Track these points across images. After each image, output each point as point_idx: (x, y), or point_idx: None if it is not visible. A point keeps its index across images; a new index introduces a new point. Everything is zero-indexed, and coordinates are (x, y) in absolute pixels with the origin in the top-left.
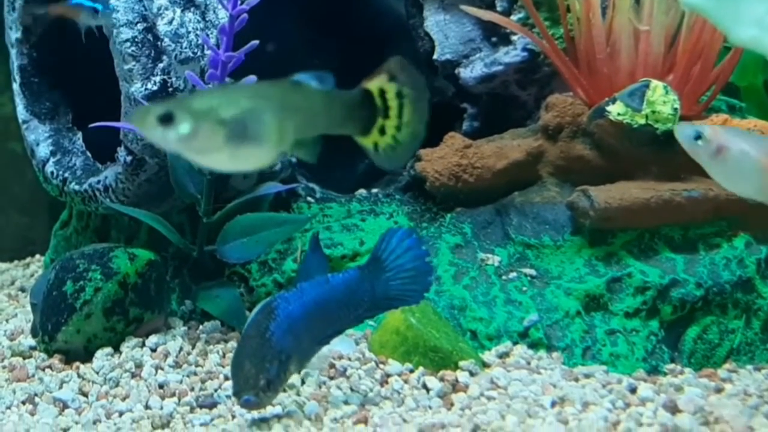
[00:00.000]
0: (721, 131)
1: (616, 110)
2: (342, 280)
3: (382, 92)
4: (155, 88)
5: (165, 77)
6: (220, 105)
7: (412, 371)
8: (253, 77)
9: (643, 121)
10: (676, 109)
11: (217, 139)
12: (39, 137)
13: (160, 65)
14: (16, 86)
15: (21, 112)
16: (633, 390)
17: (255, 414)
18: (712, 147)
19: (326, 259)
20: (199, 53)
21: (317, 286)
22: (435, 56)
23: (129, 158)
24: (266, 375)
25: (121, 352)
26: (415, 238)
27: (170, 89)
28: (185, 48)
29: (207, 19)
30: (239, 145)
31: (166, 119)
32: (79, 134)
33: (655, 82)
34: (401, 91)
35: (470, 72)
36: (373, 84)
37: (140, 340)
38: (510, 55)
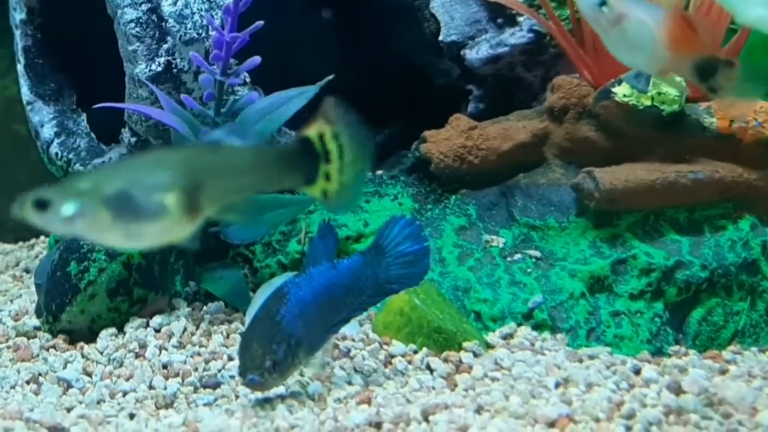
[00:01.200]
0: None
1: (621, 92)
2: (347, 266)
3: (321, 137)
4: (159, 69)
5: (169, 58)
6: (104, 181)
7: (415, 352)
8: (257, 58)
9: (648, 103)
10: (682, 91)
11: (102, 218)
12: (43, 118)
13: (165, 46)
14: (20, 67)
15: (25, 93)
16: (637, 371)
17: (258, 394)
18: (613, 14)
19: (335, 245)
20: (203, 34)
21: (325, 272)
22: (440, 37)
23: (133, 139)
24: (273, 356)
25: (125, 333)
26: (416, 226)
27: (174, 70)
28: (190, 29)
29: None
30: (131, 223)
31: (41, 205)
32: (84, 115)
33: None
34: (338, 133)
35: (476, 53)
36: (312, 130)
37: (144, 320)
38: (516, 36)
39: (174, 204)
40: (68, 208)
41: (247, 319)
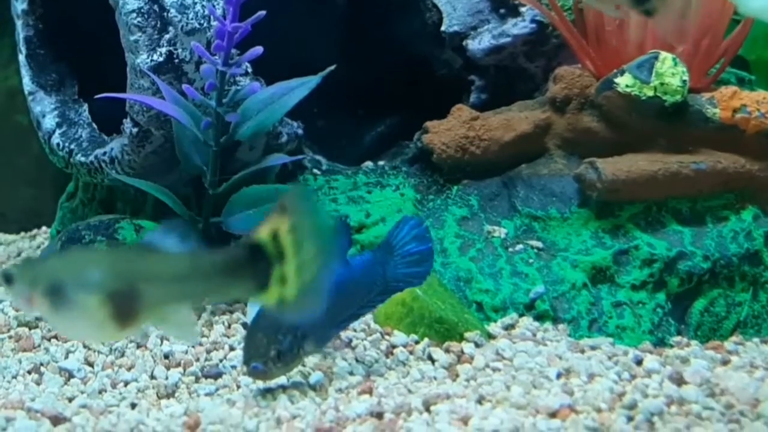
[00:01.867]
0: None
1: (624, 82)
2: (359, 263)
3: (274, 235)
4: (161, 59)
5: (171, 48)
6: (47, 270)
7: (417, 342)
8: (259, 49)
9: (651, 93)
10: (684, 81)
11: (44, 307)
12: (45, 109)
13: (166, 36)
14: (21, 58)
15: (27, 83)
16: (639, 362)
17: (260, 384)
18: None
19: (348, 242)
20: (205, 24)
21: (337, 267)
22: (443, 28)
23: (135, 130)
24: (278, 346)
25: None
26: (424, 228)
27: (176, 60)
28: (191, 19)
29: None
30: (65, 317)
31: (7, 280)
32: (85, 106)
33: (664, 54)
34: (295, 227)
35: (478, 44)
36: (263, 232)
37: None
38: (518, 26)
39: (99, 307)
40: (22, 290)
41: (249, 309)
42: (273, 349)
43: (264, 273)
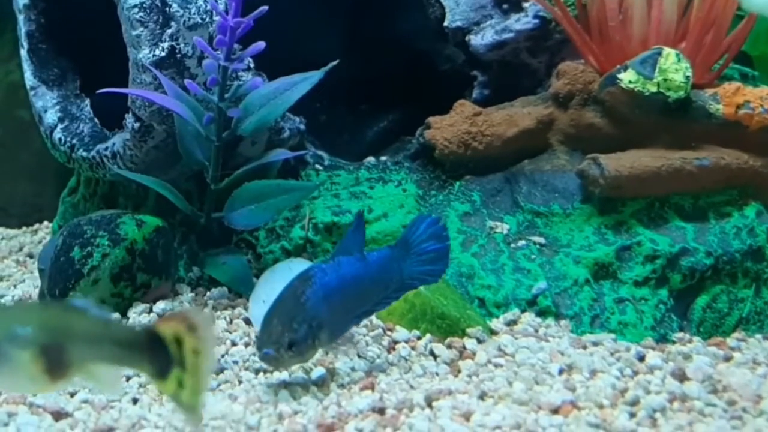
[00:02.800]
0: None
1: (627, 78)
2: (376, 258)
3: (179, 341)
4: (163, 54)
5: (173, 43)
6: None
7: (419, 338)
8: (261, 44)
9: (654, 89)
10: (688, 77)
11: None
12: (47, 104)
13: (168, 31)
14: (23, 52)
15: (29, 78)
16: (641, 358)
17: (261, 379)
18: None
19: (364, 238)
20: (207, 19)
21: (354, 262)
22: (445, 23)
23: (137, 125)
24: (292, 334)
25: (128, 318)
26: (441, 226)
27: (178, 55)
28: (193, 14)
29: None
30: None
31: None
32: (87, 101)
33: (667, 50)
34: (198, 348)
35: (481, 39)
36: (167, 329)
37: (147, 305)
38: (521, 22)
39: (32, 362)
40: None
41: (250, 305)
42: (287, 336)
43: (160, 362)
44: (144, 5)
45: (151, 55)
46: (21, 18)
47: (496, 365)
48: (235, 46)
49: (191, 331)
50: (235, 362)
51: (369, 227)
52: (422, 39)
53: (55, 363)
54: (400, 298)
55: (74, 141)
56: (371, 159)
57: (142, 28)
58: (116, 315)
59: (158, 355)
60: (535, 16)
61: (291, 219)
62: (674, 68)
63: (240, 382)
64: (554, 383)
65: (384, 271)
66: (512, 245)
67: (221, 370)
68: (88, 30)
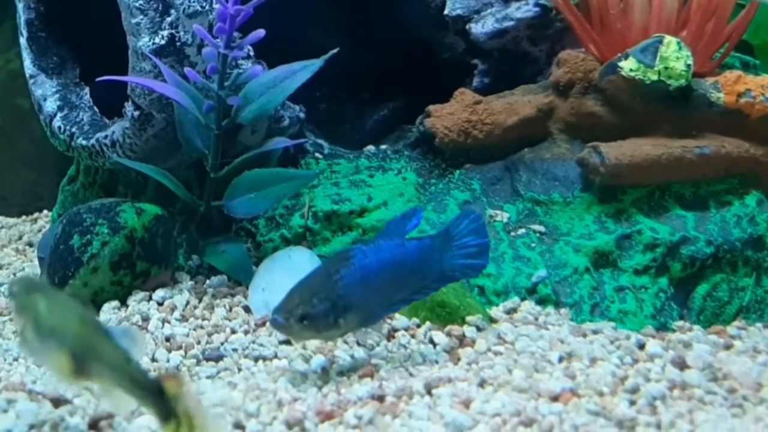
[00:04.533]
0: None
1: (628, 66)
2: (417, 246)
3: (177, 400)
4: (163, 42)
5: (173, 31)
6: (32, 308)
7: (419, 326)
8: (261, 31)
9: (655, 78)
10: (689, 66)
11: (25, 330)
12: (46, 92)
13: (168, 19)
14: (23, 41)
15: (28, 66)
16: (641, 346)
17: (261, 366)
18: None
19: (409, 228)
20: (207, 7)
21: (395, 247)
22: (446, 11)
23: (136, 113)
24: (307, 308)
25: (127, 306)
26: (482, 223)
27: (178, 43)
28: (193, 2)
29: None
30: (38, 356)
31: (11, 294)
32: (87, 89)
33: (668, 38)
34: (195, 424)
35: (481, 27)
36: (171, 388)
37: (147, 293)
38: (522, 10)
39: (61, 357)
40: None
41: (250, 293)
42: (301, 309)
43: (165, 411)
44: None
45: (150, 43)
46: (20, 6)
47: (496, 353)
48: (235, 34)
49: (184, 399)
50: (235, 350)
51: (369, 215)
52: (422, 27)
53: (80, 369)
54: (438, 289)
55: (74, 129)
56: (371, 147)
57: (141, 16)
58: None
59: (164, 403)
60: (536, 4)
61: (290, 207)
62: (675, 56)
63: (239, 369)
64: (554, 371)
65: (423, 260)
66: (512, 233)
67: (220, 358)
68: (87, 18)
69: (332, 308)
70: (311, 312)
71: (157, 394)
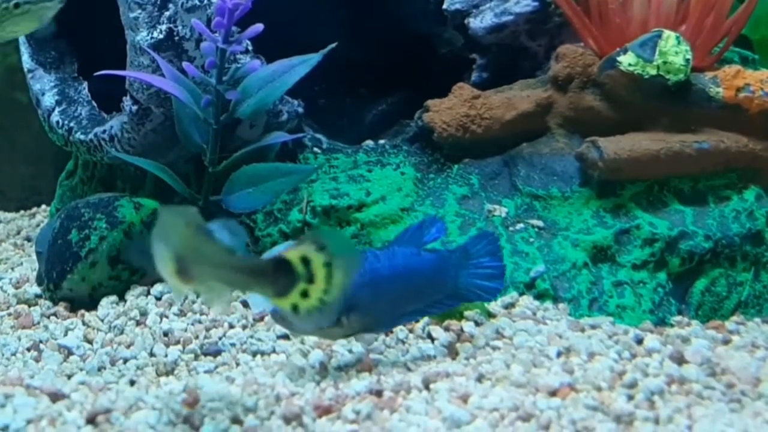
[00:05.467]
0: None
1: (627, 61)
2: (433, 258)
3: (306, 260)
4: (161, 36)
5: (171, 26)
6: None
7: (417, 320)
8: (259, 26)
9: (654, 72)
10: (688, 60)
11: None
12: (44, 86)
13: (166, 13)
14: (20, 36)
15: (26, 61)
16: (639, 341)
17: (259, 361)
18: None
19: (433, 240)
20: (205, 1)
21: (410, 255)
22: (444, 6)
23: (134, 108)
24: None
25: (125, 300)
26: (499, 246)
27: (176, 38)
28: None
29: None
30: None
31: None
32: (85, 83)
33: (667, 32)
34: (331, 262)
35: (480, 22)
36: (293, 254)
37: (145, 288)
38: (520, 5)
39: (168, 261)
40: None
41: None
42: None
43: (283, 284)
44: None
45: (149, 38)
46: None
47: (494, 348)
48: (233, 28)
49: (320, 250)
50: (233, 345)
51: (367, 210)
52: (421, 22)
53: (184, 271)
54: (453, 307)
55: (72, 124)
56: (369, 142)
57: (140, 11)
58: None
59: (280, 277)
60: None
61: (289, 202)
62: (674, 51)
63: (237, 364)
64: (552, 366)
65: (439, 273)
66: (510, 228)
67: (218, 353)
68: (85, 12)
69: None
70: None
71: (271, 272)
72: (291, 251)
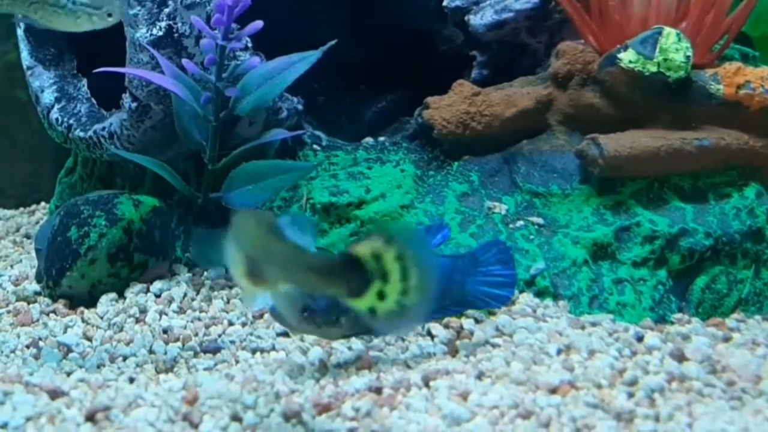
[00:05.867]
0: None
1: (627, 58)
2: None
3: (377, 257)
4: (160, 33)
5: (170, 22)
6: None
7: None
8: (259, 23)
9: (654, 69)
10: (688, 57)
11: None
12: (43, 83)
13: (166, 10)
14: (20, 32)
15: (25, 58)
16: (640, 338)
17: (258, 358)
18: None
19: (438, 245)
20: None
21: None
22: (444, 3)
23: (134, 105)
24: (309, 301)
25: (125, 298)
26: (511, 255)
27: (176, 34)
28: None
29: None
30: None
31: None
32: (84, 80)
33: (667, 29)
34: (402, 254)
35: (480, 19)
36: (362, 250)
37: (144, 285)
38: (521, 1)
39: (239, 263)
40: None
41: None
42: (301, 302)
43: (356, 283)
44: None
45: (148, 35)
46: None
47: (494, 345)
48: (233, 25)
49: (389, 243)
50: (232, 342)
51: (367, 207)
52: (421, 19)
53: (254, 273)
54: (460, 313)
55: (71, 121)
56: (369, 139)
57: (139, 7)
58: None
59: (353, 276)
60: None
61: (288, 199)
62: (674, 48)
63: (237, 361)
64: (552, 363)
65: (443, 279)
66: (510, 226)
67: (218, 350)
68: None
69: (333, 306)
70: (312, 306)
71: (342, 271)
72: (359, 247)
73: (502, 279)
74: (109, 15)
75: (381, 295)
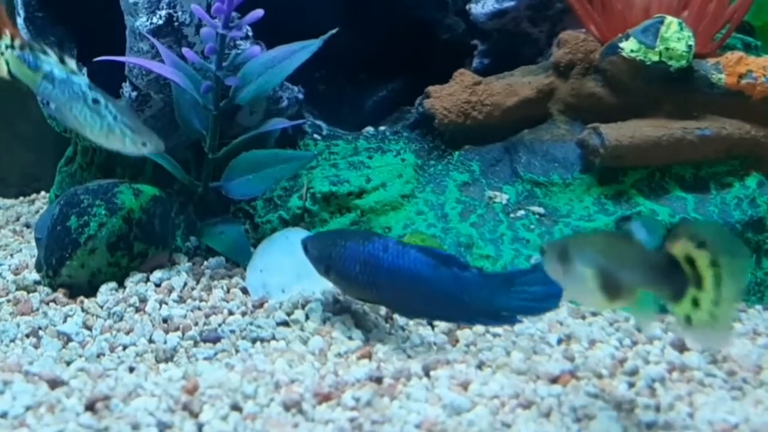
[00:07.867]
0: None
1: (629, 47)
2: (445, 275)
3: (690, 260)
4: (160, 22)
5: (170, 11)
6: (566, 245)
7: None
8: (259, 12)
9: (656, 58)
10: (690, 46)
11: (557, 272)
12: None
13: None
14: (20, 21)
15: None
16: (640, 328)
17: (259, 348)
18: None
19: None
20: None
21: (420, 262)
22: None
23: (134, 94)
24: (313, 244)
25: (125, 287)
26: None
27: (176, 23)
28: None
29: None
30: (570, 281)
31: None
32: (84, 70)
33: (669, 19)
34: (717, 260)
35: (481, 8)
36: (677, 249)
37: (144, 275)
38: None
39: (592, 279)
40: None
41: (248, 274)
42: (309, 243)
43: (675, 286)
44: None
45: (148, 23)
46: None
47: (495, 335)
48: (233, 14)
49: (701, 246)
50: (232, 331)
51: (367, 197)
52: (423, 8)
53: (609, 284)
54: (497, 326)
55: None
56: (370, 129)
57: None
58: None
59: (674, 278)
60: None
61: (289, 188)
62: (676, 37)
63: (237, 351)
64: (553, 353)
65: (460, 291)
66: (511, 215)
67: (218, 339)
68: None
69: (322, 259)
70: (311, 250)
71: (670, 267)
72: (674, 247)
73: (542, 292)
74: (144, 144)
75: (695, 303)
